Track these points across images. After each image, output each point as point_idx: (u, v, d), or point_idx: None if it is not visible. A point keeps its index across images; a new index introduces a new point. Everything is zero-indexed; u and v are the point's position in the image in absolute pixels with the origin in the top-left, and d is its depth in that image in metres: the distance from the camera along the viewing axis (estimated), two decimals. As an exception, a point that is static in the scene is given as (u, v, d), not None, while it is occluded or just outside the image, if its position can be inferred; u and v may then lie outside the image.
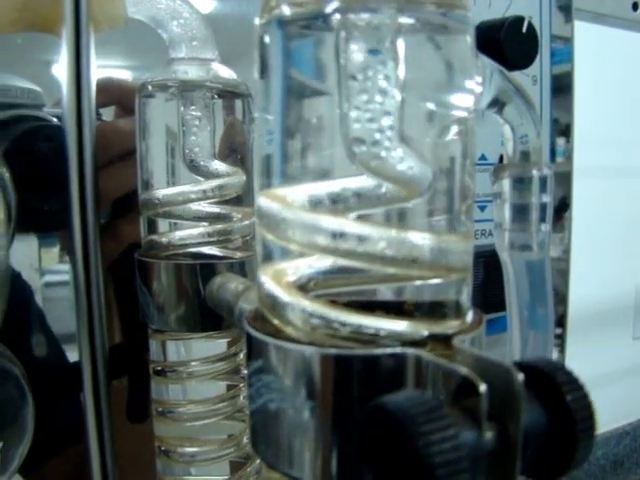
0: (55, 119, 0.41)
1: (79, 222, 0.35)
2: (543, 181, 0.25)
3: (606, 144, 1.14)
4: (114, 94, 0.42)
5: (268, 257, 0.22)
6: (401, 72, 0.19)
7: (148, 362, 0.38)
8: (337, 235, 0.19)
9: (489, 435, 0.17)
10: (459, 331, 0.20)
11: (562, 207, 0.69)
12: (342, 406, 0.19)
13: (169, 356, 0.38)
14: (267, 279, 0.21)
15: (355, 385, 0.18)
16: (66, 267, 0.43)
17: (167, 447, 0.38)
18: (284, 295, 0.20)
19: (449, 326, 0.20)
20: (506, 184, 0.25)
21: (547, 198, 0.25)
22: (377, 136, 0.20)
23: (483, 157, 0.48)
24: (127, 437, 0.39)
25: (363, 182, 0.20)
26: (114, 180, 0.40)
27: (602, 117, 1.12)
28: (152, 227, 0.36)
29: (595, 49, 0.98)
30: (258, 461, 0.40)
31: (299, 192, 0.20)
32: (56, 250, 0.45)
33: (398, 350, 0.18)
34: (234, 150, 0.37)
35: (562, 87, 0.61)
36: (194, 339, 0.36)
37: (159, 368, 0.37)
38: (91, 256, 0.35)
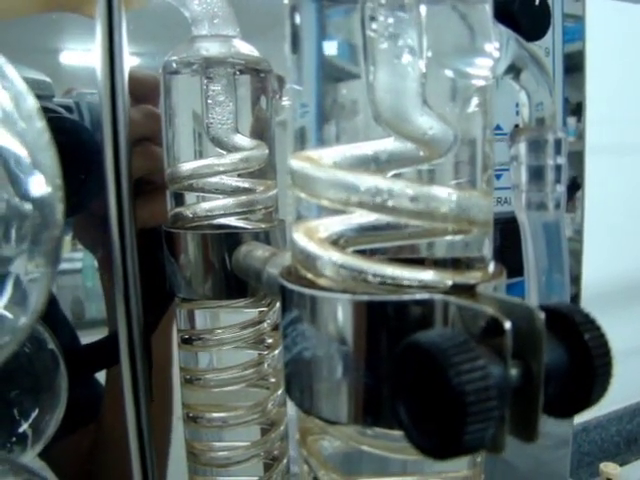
0: (64, 110, 0.41)
1: (115, 200, 0.36)
2: (558, 143, 0.26)
3: (619, 122, 1.15)
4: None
5: (301, 216, 0.23)
6: (424, 38, 0.21)
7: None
8: (368, 190, 0.20)
9: (514, 372, 0.18)
10: (482, 280, 0.21)
11: (574, 187, 0.70)
12: (374, 349, 0.20)
13: (196, 325, 0.39)
14: (300, 236, 0.22)
15: (386, 329, 0.20)
16: (79, 255, 0.44)
17: (195, 413, 0.39)
18: (317, 249, 0.22)
19: (472, 276, 0.21)
20: (522, 147, 0.27)
21: (562, 160, 0.26)
22: (402, 98, 0.21)
23: (498, 127, 0.50)
24: None
25: (390, 144, 0.22)
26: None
27: (615, 95, 1.13)
28: (178, 200, 0.38)
29: (607, 26, 0.99)
30: (285, 460, 0.42)
31: (331, 153, 0.22)
32: (68, 238, 0.46)
33: (426, 296, 0.19)
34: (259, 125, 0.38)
35: (573, 66, 0.62)
36: (220, 307, 0.38)
37: (186, 336, 0.39)
38: (126, 232, 0.36)
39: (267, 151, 0.37)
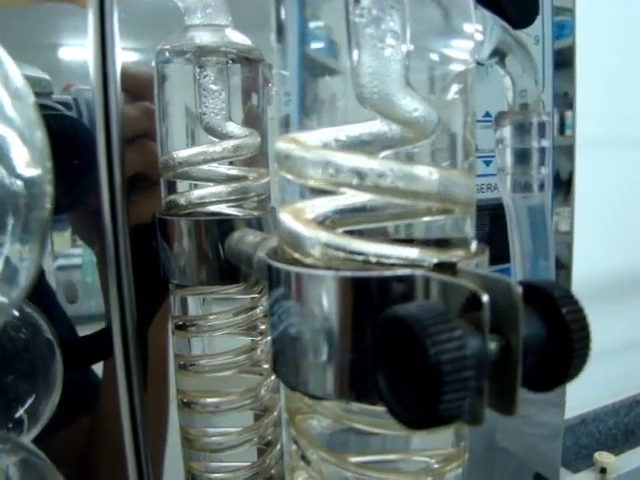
0: (62, 107, 0.42)
1: (107, 194, 0.38)
2: (542, 126, 0.27)
3: (610, 116, 1.15)
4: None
5: (287, 198, 0.23)
6: (407, 21, 0.21)
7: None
8: (352, 169, 0.21)
9: (492, 346, 0.18)
10: (464, 258, 0.22)
11: (569, 181, 0.70)
12: (358, 325, 0.20)
13: (190, 311, 0.40)
14: (287, 216, 0.23)
15: (369, 305, 0.20)
16: (78, 251, 0.45)
17: (189, 399, 0.40)
18: (303, 229, 0.22)
19: (455, 255, 0.22)
20: (507, 130, 0.27)
21: (546, 142, 0.27)
22: (386, 80, 0.21)
23: (487, 114, 0.50)
24: None
25: (375, 126, 0.22)
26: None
27: (605, 88, 1.13)
28: (172, 189, 0.38)
29: (599, 17, 0.99)
30: (279, 446, 0.42)
31: (317, 135, 0.22)
32: (68, 234, 0.46)
33: (408, 272, 0.20)
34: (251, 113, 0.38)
35: (564, 61, 0.62)
36: (213, 293, 0.38)
37: (180, 323, 0.39)
38: (119, 225, 0.37)
39: (259, 139, 0.38)
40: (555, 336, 0.19)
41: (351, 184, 0.21)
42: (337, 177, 0.21)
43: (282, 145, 0.23)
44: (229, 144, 0.36)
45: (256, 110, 0.39)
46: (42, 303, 0.47)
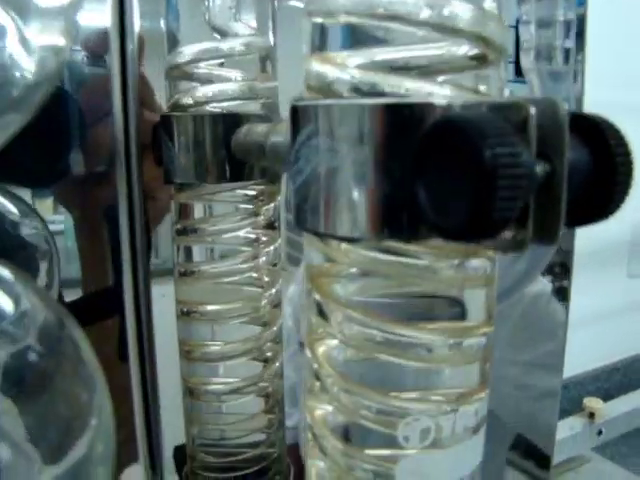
0: None
1: (124, 155, 0.40)
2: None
3: (621, 83, 1.16)
4: None
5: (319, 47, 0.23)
6: None
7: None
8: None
9: (538, 168, 0.18)
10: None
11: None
12: (392, 155, 0.19)
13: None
14: (315, 63, 0.22)
15: (406, 134, 0.19)
16: (61, 217, 0.44)
17: (189, 308, 0.39)
18: (334, 70, 0.21)
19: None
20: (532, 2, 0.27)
21: (571, 15, 0.26)
22: None
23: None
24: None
25: None
26: (89, 133, 0.41)
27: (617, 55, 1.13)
28: (177, 89, 0.37)
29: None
30: (277, 363, 0.41)
31: None
32: (50, 202, 0.45)
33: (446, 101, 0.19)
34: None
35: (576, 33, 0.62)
36: (216, 194, 0.37)
37: (180, 227, 0.38)
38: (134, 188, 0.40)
39: (270, 40, 0.37)
40: (599, 162, 0.19)
41: (386, 17, 0.20)
42: (373, 9, 0.20)
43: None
44: (237, 41, 0.35)
45: (266, 12, 0.38)
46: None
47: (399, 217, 0.20)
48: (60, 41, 0.25)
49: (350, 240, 0.21)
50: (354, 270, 0.23)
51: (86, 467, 0.21)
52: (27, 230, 0.39)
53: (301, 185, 0.22)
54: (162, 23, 0.38)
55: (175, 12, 0.37)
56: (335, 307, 0.23)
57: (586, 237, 1.17)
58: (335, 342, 0.24)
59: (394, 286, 0.24)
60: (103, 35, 0.39)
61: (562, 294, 0.69)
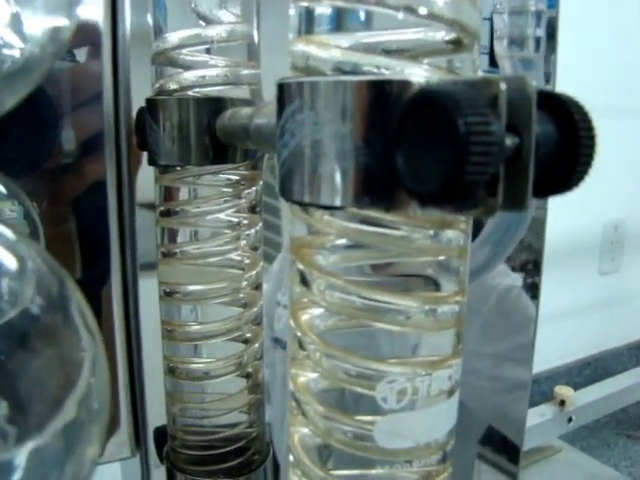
0: None
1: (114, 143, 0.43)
2: (539, -13, 0.28)
3: (590, 87, 1.18)
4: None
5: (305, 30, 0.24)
6: None
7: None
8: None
9: (508, 141, 0.19)
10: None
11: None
12: (373, 128, 0.21)
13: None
14: (300, 45, 0.23)
15: (385, 108, 0.21)
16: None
17: (171, 288, 0.40)
18: (317, 50, 0.23)
19: (465, 76, 0.23)
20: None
21: (542, 6, 0.28)
22: None
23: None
24: None
25: None
26: (82, 121, 0.44)
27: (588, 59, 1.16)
28: (162, 74, 0.38)
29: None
30: (257, 344, 0.43)
31: None
32: None
33: (424, 77, 0.21)
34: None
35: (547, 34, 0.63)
36: (200, 177, 0.38)
37: (164, 209, 0.39)
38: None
39: (254, 28, 0.38)
40: (564, 135, 0.20)
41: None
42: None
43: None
44: (222, 28, 0.37)
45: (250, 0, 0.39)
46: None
47: (379, 186, 0.21)
48: (59, 23, 0.26)
49: (333, 208, 0.22)
50: (336, 241, 0.24)
51: (79, 428, 0.22)
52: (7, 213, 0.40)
53: (287, 158, 0.23)
54: (149, 10, 0.38)
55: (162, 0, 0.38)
56: (318, 276, 0.24)
57: (560, 235, 1.20)
58: (318, 311, 0.25)
59: (374, 257, 0.25)
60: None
61: (533, 290, 0.71)
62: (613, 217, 1.43)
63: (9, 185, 0.38)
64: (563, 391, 0.95)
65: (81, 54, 0.44)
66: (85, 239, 0.45)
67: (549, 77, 0.67)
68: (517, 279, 0.70)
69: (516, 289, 0.70)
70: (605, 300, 1.44)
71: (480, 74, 0.23)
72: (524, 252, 0.72)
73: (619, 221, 1.45)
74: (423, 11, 0.22)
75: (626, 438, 1.37)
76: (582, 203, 1.24)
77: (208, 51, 0.38)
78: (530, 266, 0.72)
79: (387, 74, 0.22)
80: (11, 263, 0.21)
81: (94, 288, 0.46)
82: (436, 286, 0.25)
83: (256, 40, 0.39)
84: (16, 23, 0.28)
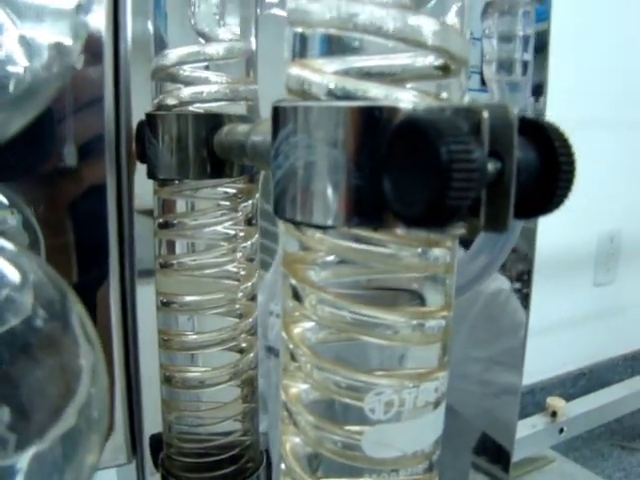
0: None
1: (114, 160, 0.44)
2: (527, 14, 0.29)
3: (580, 98, 1.19)
4: None
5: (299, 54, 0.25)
6: None
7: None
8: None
9: (490, 167, 0.20)
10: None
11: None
12: (364, 152, 0.22)
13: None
14: (295, 69, 0.24)
15: (376, 133, 0.22)
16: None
17: (168, 299, 0.41)
18: (312, 75, 0.24)
19: (452, 102, 0.24)
20: (494, 17, 0.29)
21: (530, 31, 0.29)
22: None
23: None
24: None
25: None
26: (81, 126, 0.45)
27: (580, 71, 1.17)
28: (162, 89, 0.39)
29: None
30: (252, 354, 0.43)
31: None
32: None
33: (412, 104, 0.22)
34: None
35: (538, 47, 0.64)
36: (198, 190, 0.39)
37: (162, 221, 0.40)
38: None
39: (252, 46, 0.39)
40: (545, 161, 0.21)
41: (360, 27, 0.22)
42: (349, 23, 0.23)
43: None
44: (221, 46, 0.38)
45: (249, 19, 0.40)
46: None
47: (367, 207, 0.22)
48: (66, 41, 0.27)
49: (324, 227, 0.23)
50: (327, 257, 0.25)
51: (78, 435, 0.23)
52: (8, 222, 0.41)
53: (281, 178, 0.24)
54: (150, 25, 0.39)
55: (163, 15, 0.39)
56: (310, 291, 0.25)
57: (555, 246, 1.21)
58: (309, 324, 0.26)
59: (363, 273, 0.26)
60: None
61: (529, 300, 0.72)
62: (609, 228, 1.45)
63: (9, 194, 0.39)
64: (555, 402, 0.96)
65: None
66: (84, 246, 0.46)
67: (541, 88, 0.69)
68: (505, 282, 0.71)
69: (505, 292, 0.71)
70: (600, 311, 1.45)
71: (466, 99, 0.24)
72: (520, 262, 0.72)
73: (615, 232, 1.46)
74: (412, 40, 0.23)
75: (620, 449, 1.37)
76: (577, 214, 1.25)
77: (207, 67, 0.39)
78: (526, 276, 0.73)
79: (377, 100, 0.23)
80: (14, 275, 0.22)
81: (92, 294, 0.47)
82: (421, 300, 0.26)
83: (254, 56, 0.40)
84: (22, 43, 0.29)
